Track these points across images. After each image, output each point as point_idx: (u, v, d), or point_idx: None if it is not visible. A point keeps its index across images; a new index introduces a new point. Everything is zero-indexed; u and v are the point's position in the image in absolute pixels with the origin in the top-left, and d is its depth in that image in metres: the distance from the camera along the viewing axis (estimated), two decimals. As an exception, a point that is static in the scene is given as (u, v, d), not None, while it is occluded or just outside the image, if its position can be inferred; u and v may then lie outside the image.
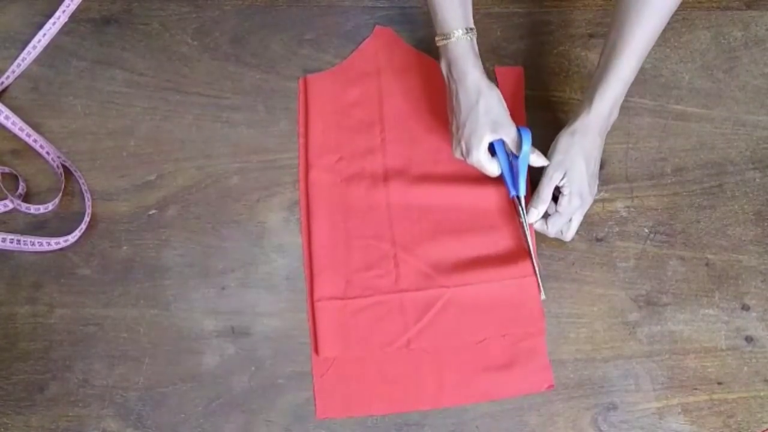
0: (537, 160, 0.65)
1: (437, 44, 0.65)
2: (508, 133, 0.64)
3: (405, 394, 0.63)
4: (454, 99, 0.65)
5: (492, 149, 0.65)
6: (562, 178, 0.64)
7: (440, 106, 0.70)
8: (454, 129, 0.66)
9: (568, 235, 0.65)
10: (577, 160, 0.63)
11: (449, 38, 0.64)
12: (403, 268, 0.67)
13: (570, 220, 0.65)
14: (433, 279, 0.66)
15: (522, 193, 0.66)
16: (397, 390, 0.63)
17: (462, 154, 0.65)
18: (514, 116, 0.65)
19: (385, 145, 0.71)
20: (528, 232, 0.66)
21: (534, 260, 0.66)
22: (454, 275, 0.66)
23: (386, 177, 0.70)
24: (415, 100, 0.73)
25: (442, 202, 0.69)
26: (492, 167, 0.65)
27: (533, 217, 0.65)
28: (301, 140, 0.72)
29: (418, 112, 0.73)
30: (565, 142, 0.64)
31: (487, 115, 0.63)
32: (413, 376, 0.63)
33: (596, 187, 0.66)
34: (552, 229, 0.65)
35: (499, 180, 0.67)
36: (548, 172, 0.64)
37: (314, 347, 0.64)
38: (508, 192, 0.67)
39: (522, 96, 0.74)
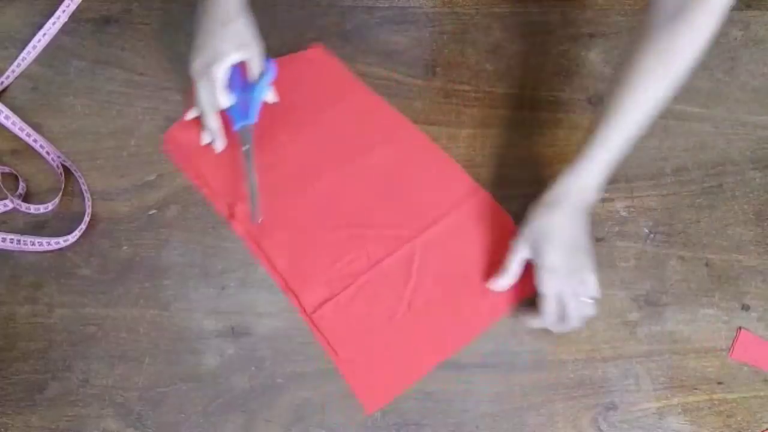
0: (272, 96, 0.69)
1: None
2: (254, 54, 0.65)
3: (425, 354, 0.64)
4: (205, 12, 0.64)
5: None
6: (531, 251, 0.61)
7: (308, 96, 0.73)
8: (198, 41, 0.65)
9: (568, 324, 0.61)
10: (545, 233, 0.60)
11: None
12: (368, 242, 0.67)
13: (566, 305, 0.60)
14: (399, 237, 0.67)
15: (253, 120, 0.68)
16: (417, 354, 0.64)
17: (199, 69, 0.64)
18: (348, 87, 0.73)
19: (287, 158, 0.71)
20: (251, 162, 0.68)
21: (251, 186, 0.67)
22: (414, 224, 0.68)
23: (309, 178, 0.70)
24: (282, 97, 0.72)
25: (370, 171, 0.70)
26: (224, 97, 0.65)
27: (495, 286, 0.64)
28: (206, 191, 0.70)
29: (286, 117, 0.72)
30: (532, 212, 0.62)
31: (237, 36, 0.64)
32: (423, 336, 0.64)
33: (586, 265, 0.61)
34: (546, 318, 0.61)
35: (407, 129, 0.71)
36: (514, 244, 0.63)
37: (332, 353, 0.64)
38: (233, 124, 0.68)
39: (341, 69, 0.75)
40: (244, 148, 0.68)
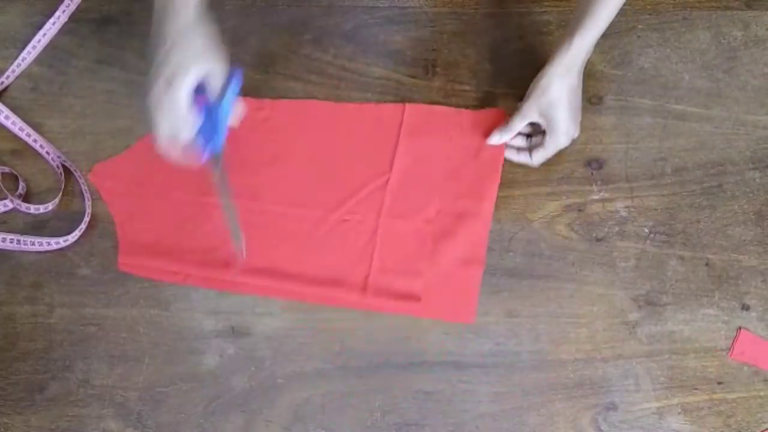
0: (236, 115, 0.60)
1: None
2: (217, 65, 0.56)
3: (470, 244, 0.68)
4: (163, 24, 0.56)
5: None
6: (541, 118, 0.65)
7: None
8: (159, 59, 0.55)
9: (538, 160, 0.68)
10: (559, 100, 0.64)
11: None
12: (357, 213, 0.68)
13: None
14: (375, 189, 0.69)
15: (221, 141, 0.58)
16: (465, 251, 0.67)
17: (159, 92, 0.55)
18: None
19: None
20: (226, 189, 0.63)
21: (231, 216, 0.64)
22: (379, 169, 0.70)
23: (278, 202, 0.69)
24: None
25: (315, 159, 0.71)
26: (189, 123, 0.56)
27: (494, 140, 0.69)
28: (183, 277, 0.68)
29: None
30: (547, 81, 0.64)
31: (200, 45, 0.56)
32: (458, 232, 0.67)
33: (578, 123, 0.67)
34: (534, 160, 0.68)
35: (312, 106, 0.72)
36: (524, 110, 0.66)
37: (403, 312, 0.66)
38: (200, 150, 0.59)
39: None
40: (215, 175, 0.61)
